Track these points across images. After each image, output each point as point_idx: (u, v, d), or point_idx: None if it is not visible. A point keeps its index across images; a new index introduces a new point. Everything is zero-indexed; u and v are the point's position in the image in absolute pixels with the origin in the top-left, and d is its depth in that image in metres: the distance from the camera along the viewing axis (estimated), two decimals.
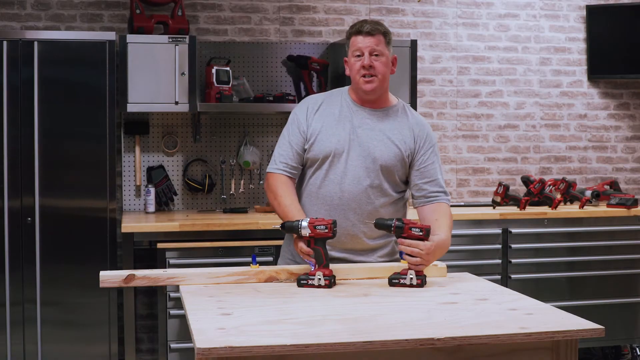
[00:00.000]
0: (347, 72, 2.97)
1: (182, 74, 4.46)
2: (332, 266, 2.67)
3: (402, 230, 2.64)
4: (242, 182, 4.99)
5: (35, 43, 4.19)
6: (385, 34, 2.90)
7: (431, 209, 2.90)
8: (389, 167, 2.90)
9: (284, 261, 3.03)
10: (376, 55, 2.87)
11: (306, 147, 2.93)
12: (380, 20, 2.98)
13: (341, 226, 2.79)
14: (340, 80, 4.71)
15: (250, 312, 2.25)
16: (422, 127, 2.98)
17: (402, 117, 2.97)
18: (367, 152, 2.89)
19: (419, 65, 5.16)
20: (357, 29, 2.88)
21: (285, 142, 2.96)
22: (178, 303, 4.19)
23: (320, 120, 2.93)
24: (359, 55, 2.88)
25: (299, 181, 2.98)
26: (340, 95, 3.00)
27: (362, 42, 2.87)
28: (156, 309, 4.52)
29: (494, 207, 4.96)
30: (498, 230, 4.79)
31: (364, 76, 2.87)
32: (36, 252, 4.22)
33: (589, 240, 4.91)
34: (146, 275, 2.65)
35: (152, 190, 4.73)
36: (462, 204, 5.21)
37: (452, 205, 5.00)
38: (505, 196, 4.94)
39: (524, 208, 4.89)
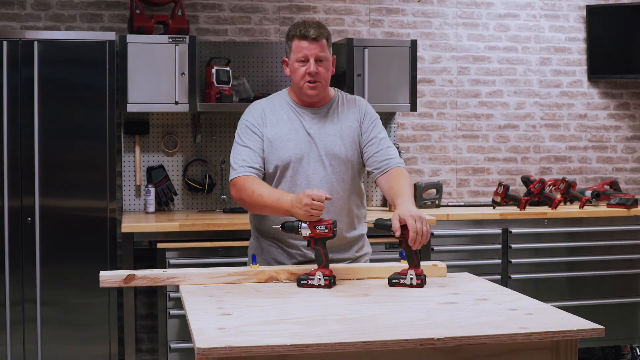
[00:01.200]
0: (287, 72, 2.95)
1: (182, 74, 4.46)
2: (332, 266, 2.68)
3: (401, 230, 2.64)
4: None
5: (35, 43, 4.19)
6: (328, 37, 2.90)
7: (385, 177, 2.91)
8: (349, 157, 2.93)
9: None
10: (320, 61, 2.87)
11: (264, 155, 2.90)
12: (321, 22, 2.94)
13: None
14: (341, 80, 4.71)
15: (250, 312, 2.25)
16: (361, 106, 3.01)
17: (343, 106, 3.00)
18: (325, 150, 2.90)
19: (419, 65, 5.16)
20: (303, 34, 2.84)
21: (243, 149, 2.89)
22: (178, 303, 4.19)
23: (271, 127, 2.92)
24: (303, 61, 2.86)
25: None
26: (281, 99, 3.00)
27: (307, 48, 2.84)
28: (156, 309, 4.52)
29: (494, 207, 4.96)
30: (498, 230, 4.79)
31: (308, 82, 2.87)
32: (36, 252, 4.22)
33: (589, 240, 4.91)
34: (146, 275, 2.65)
35: (152, 190, 4.73)
36: (462, 204, 5.21)
37: (452, 205, 5.08)
38: (505, 196, 4.95)
39: (524, 208, 4.89)
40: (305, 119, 2.94)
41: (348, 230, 2.97)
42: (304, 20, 2.93)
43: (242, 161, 2.87)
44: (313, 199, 2.57)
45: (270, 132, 2.91)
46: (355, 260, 3.02)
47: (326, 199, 2.60)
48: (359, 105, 3.01)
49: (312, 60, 2.85)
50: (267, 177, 2.92)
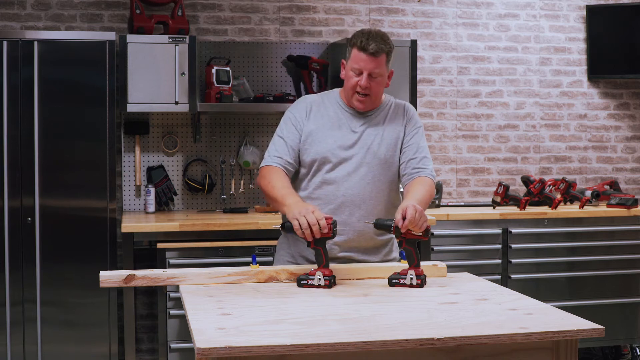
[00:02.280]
0: (342, 75, 2.96)
1: (182, 74, 4.46)
2: (332, 266, 2.68)
3: (400, 229, 2.64)
4: (242, 182, 4.99)
5: (35, 43, 4.19)
6: (389, 52, 2.87)
7: (409, 185, 2.90)
8: (388, 159, 2.93)
9: (282, 263, 3.02)
10: (374, 77, 2.86)
11: (301, 147, 2.92)
12: (386, 35, 2.92)
13: (347, 223, 2.80)
14: (340, 80, 4.70)
15: (250, 312, 2.25)
16: (408, 112, 3.01)
17: (392, 110, 3.00)
18: (366, 149, 2.91)
19: (419, 65, 5.16)
20: (363, 46, 2.83)
21: (278, 140, 2.94)
22: (178, 303, 4.19)
23: (315, 121, 2.94)
24: (357, 72, 2.86)
25: (297, 184, 2.97)
26: (333, 97, 3.01)
27: (364, 61, 2.84)
28: (156, 309, 4.52)
29: (494, 207, 4.96)
30: (498, 230, 4.79)
31: (358, 93, 2.88)
32: (36, 252, 4.22)
33: (589, 240, 4.91)
34: (146, 275, 2.65)
35: (152, 190, 4.73)
36: (462, 204, 5.21)
37: (452, 205, 5.08)
38: (505, 196, 4.94)
39: (524, 208, 4.89)
40: (352, 119, 2.95)
41: (377, 234, 2.94)
42: (369, 30, 2.89)
43: (274, 152, 2.91)
44: (314, 220, 2.54)
45: (312, 125, 2.93)
46: None
47: (327, 223, 2.57)
48: (406, 110, 3.01)
49: (365, 74, 2.84)
50: (304, 168, 2.93)
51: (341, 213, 2.84)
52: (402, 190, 2.99)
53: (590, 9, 5.46)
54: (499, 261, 4.78)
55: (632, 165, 5.65)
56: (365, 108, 2.93)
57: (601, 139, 5.60)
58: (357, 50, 2.84)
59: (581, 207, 4.98)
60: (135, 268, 4.27)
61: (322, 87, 4.91)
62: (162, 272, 2.69)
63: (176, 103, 4.48)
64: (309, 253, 2.93)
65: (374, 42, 2.82)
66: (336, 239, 2.74)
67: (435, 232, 4.62)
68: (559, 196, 5.01)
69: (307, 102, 3.01)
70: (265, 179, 2.87)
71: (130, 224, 4.25)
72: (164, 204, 4.85)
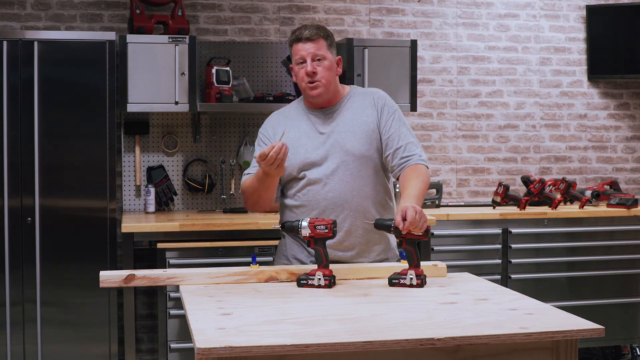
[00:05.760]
0: (294, 79, 2.97)
1: (182, 74, 4.46)
2: (332, 266, 2.68)
3: (400, 230, 2.64)
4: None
5: (35, 43, 4.19)
6: (327, 37, 2.90)
7: (401, 176, 2.86)
8: (364, 153, 2.89)
9: (279, 265, 3.01)
10: (318, 60, 2.86)
11: None
12: (321, 25, 2.97)
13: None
14: (340, 80, 4.70)
15: (250, 312, 2.25)
16: (379, 98, 2.96)
17: (357, 101, 2.96)
18: (339, 148, 2.88)
19: (419, 65, 5.16)
20: (297, 36, 2.87)
21: (253, 161, 2.99)
22: (178, 303, 4.20)
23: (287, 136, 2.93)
24: (302, 62, 2.87)
25: (281, 196, 3.00)
26: (298, 106, 3.01)
27: (302, 48, 2.85)
28: (156, 309, 4.52)
29: (494, 207, 4.96)
30: (498, 230, 4.79)
31: (309, 82, 2.87)
32: (36, 252, 4.22)
33: (589, 240, 4.91)
34: (146, 275, 2.65)
35: (152, 190, 4.73)
36: (462, 204, 5.21)
37: (452, 205, 5.08)
38: (505, 196, 4.95)
39: (524, 208, 4.89)
40: (317, 121, 2.93)
41: (367, 232, 2.91)
42: (302, 25, 2.97)
43: (250, 170, 2.98)
44: (264, 159, 2.63)
45: (284, 140, 2.91)
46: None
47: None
48: (375, 99, 2.95)
49: (308, 60, 2.85)
50: (284, 182, 2.95)
51: (327, 217, 2.83)
52: (393, 178, 2.96)
53: (590, 9, 5.47)
54: (499, 261, 4.79)
55: (632, 165, 5.65)
56: (320, 95, 2.88)
57: (601, 139, 5.60)
58: (295, 43, 2.88)
59: (581, 207, 4.98)
60: (135, 268, 4.27)
61: None
62: (162, 272, 2.69)
63: (176, 103, 4.48)
64: (303, 256, 2.94)
65: (308, 29, 2.87)
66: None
67: (435, 232, 4.62)
68: (559, 196, 5.01)
69: (274, 119, 3.03)
70: (246, 191, 2.91)
71: (130, 224, 4.25)
72: (164, 204, 4.85)
